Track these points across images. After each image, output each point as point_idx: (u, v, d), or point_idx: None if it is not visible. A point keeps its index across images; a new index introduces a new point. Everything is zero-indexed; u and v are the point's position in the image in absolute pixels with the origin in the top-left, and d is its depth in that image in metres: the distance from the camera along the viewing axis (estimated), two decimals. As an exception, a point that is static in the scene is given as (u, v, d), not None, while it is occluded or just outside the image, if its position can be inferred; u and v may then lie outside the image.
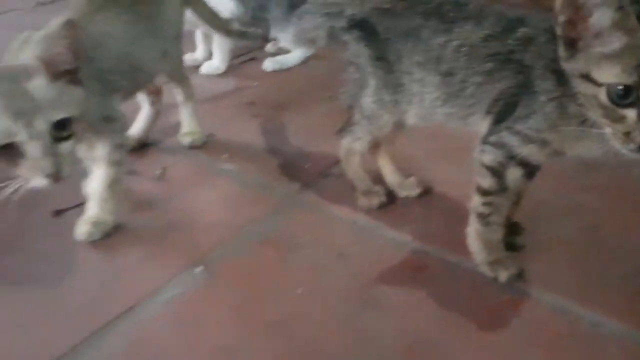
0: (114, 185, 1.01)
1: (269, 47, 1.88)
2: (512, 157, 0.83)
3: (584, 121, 0.74)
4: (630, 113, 0.66)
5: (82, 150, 0.98)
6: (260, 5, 1.70)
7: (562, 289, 0.89)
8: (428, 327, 0.83)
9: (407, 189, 1.12)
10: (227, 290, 0.91)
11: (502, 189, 0.86)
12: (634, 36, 0.64)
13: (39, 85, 0.78)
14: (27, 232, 1.05)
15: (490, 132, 0.85)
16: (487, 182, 0.86)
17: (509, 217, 0.96)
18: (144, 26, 1.07)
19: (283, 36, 1.75)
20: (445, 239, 1.00)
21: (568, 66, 0.71)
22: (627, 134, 0.67)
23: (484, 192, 0.87)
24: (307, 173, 1.22)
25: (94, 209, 1.02)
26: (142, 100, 1.29)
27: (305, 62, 1.83)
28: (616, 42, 0.65)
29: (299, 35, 1.05)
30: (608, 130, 0.69)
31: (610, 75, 0.66)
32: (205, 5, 1.32)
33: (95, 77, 0.91)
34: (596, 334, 0.81)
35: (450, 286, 0.91)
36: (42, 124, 0.77)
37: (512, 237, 0.96)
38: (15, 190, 0.81)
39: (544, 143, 0.80)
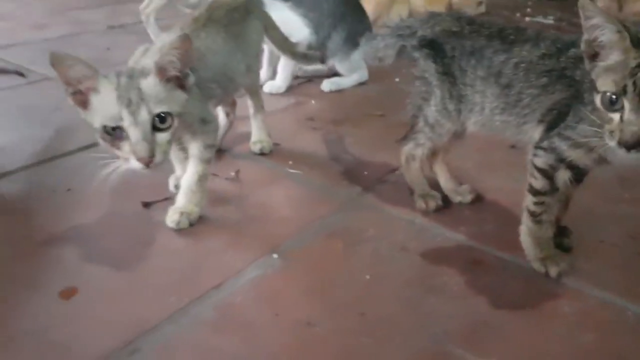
0: (202, 180, 1.14)
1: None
2: (561, 160, 0.94)
3: None
4: (615, 116, 0.79)
5: (173, 150, 1.12)
6: (326, 36, 1.89)
7: (608, 285, 0.97)
8: (487, 312, 0.92)
9: (461, 195, 1.22)
10: (302, 274, 1.02)
11: (552, 189, 0.96)
12: (626, 56, 0.78)
13: (150, 84, 0.94)
14: (120, 220, 1.18)
15: (543, 138, 0.96)
16: (539, 183, 0.96)
17: (558, 220, 1.05)
18: (235, 44, 1.23)
19: (341, 65, 1.95)
20: (497, 240, 1.09)
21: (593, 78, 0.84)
22: (612, 133, 0.80)
23: (535, 192, 0.97)
24: (366, 179, 1.34)
25: (182, 200, 1.15)
26: (219, 112, 1.44)
27: (358, 85, 1.99)
28: (614, 57, 0.80)
29: (370, 54, 1.18)
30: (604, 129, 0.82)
31: (605, 84, 0.80)
32: (278, 30, 1.48)
33: (197, 84, 1.05)
34: (641, 322, 0.89)
35: (504, 279, 1.00)
36: (145, 114, 0.92)
37: (561, 239, 1.06)
38: (114, 170, 0.96)
39: (589, 148, 0.90)
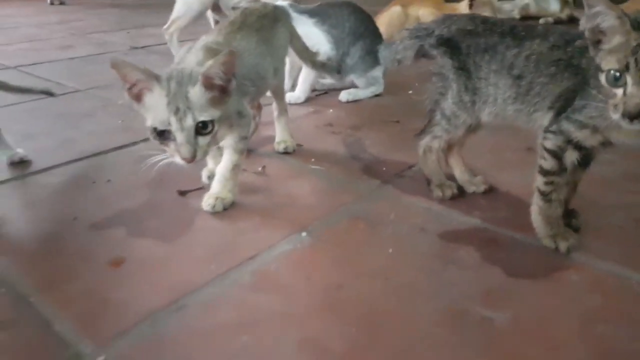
0: (235, 169, 1.25)
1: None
2: (569, 142, 1.03)
3: None
4: (619, 91, 0.89)
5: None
6: (345, 52, 2.04)
7: (614, 258, 1.05)
8: (502, 279, 1.00)
9: (475, 185, 1.31)
10: (330, 248, 1.10)
11: (561, 169, 1.05)
12: (627, 37, 0.87)
13: (196, 92, 1.05)
14: (160, 206, 1.28)
15: (552, 123, 1.05)
16: (549, 163, 1.05)
17: (567, 203, 1.13)
18: (265, 47, 1.35)
19: (359, 81, 2.08)
20: (510, 223, 1.17)
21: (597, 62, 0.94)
22: (615, 106, 0.89)
23: (545, 173, 1.06)
24: (385, 174, 1.43)
25: (217, 187, 1.24)
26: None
27: (374, 97, 2.11)
28: (616, 40, 0.89)
29: (388, 58, 1.29)
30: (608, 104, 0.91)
31: (609, 63, 0.90)
32: (300, 39, 1.61)
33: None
34: (645, 287, 0.97)
35: (517, 254, 1.08)
36: (190, 121, 1.03)
37: (569, 220, 1.14)
38: (161, 161, 1.08)
39: (594, 129, 1.00)
